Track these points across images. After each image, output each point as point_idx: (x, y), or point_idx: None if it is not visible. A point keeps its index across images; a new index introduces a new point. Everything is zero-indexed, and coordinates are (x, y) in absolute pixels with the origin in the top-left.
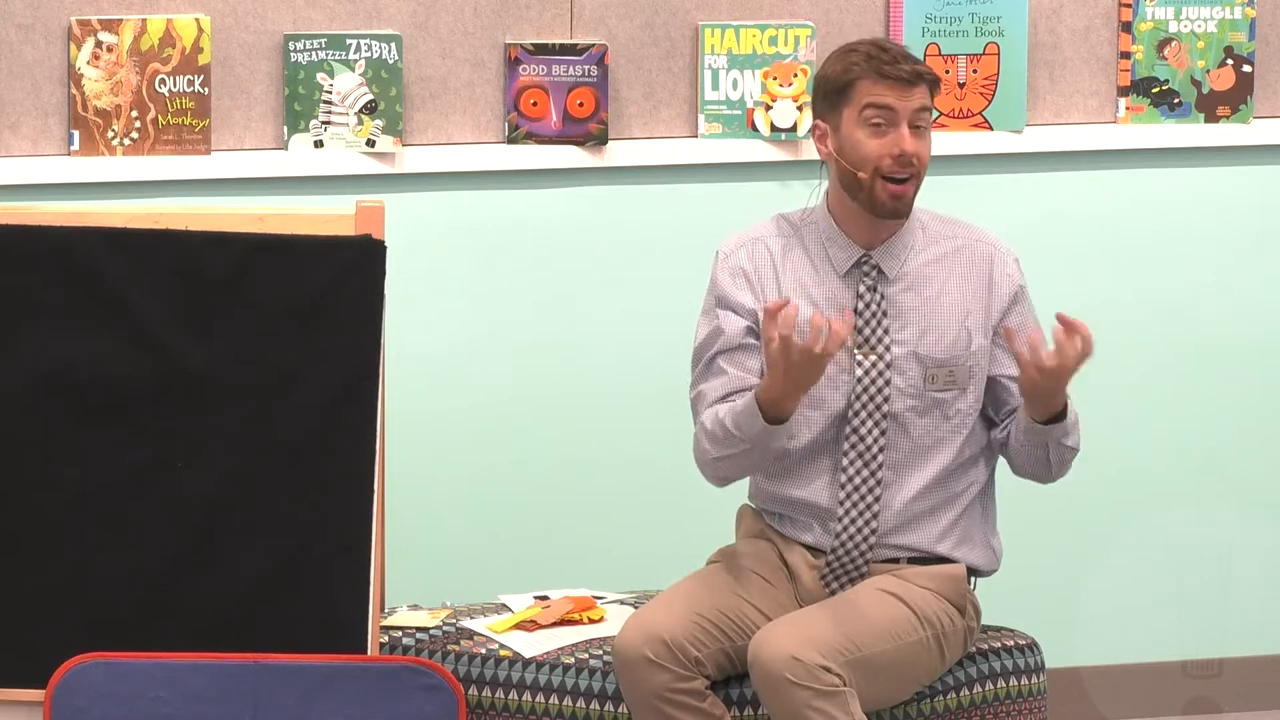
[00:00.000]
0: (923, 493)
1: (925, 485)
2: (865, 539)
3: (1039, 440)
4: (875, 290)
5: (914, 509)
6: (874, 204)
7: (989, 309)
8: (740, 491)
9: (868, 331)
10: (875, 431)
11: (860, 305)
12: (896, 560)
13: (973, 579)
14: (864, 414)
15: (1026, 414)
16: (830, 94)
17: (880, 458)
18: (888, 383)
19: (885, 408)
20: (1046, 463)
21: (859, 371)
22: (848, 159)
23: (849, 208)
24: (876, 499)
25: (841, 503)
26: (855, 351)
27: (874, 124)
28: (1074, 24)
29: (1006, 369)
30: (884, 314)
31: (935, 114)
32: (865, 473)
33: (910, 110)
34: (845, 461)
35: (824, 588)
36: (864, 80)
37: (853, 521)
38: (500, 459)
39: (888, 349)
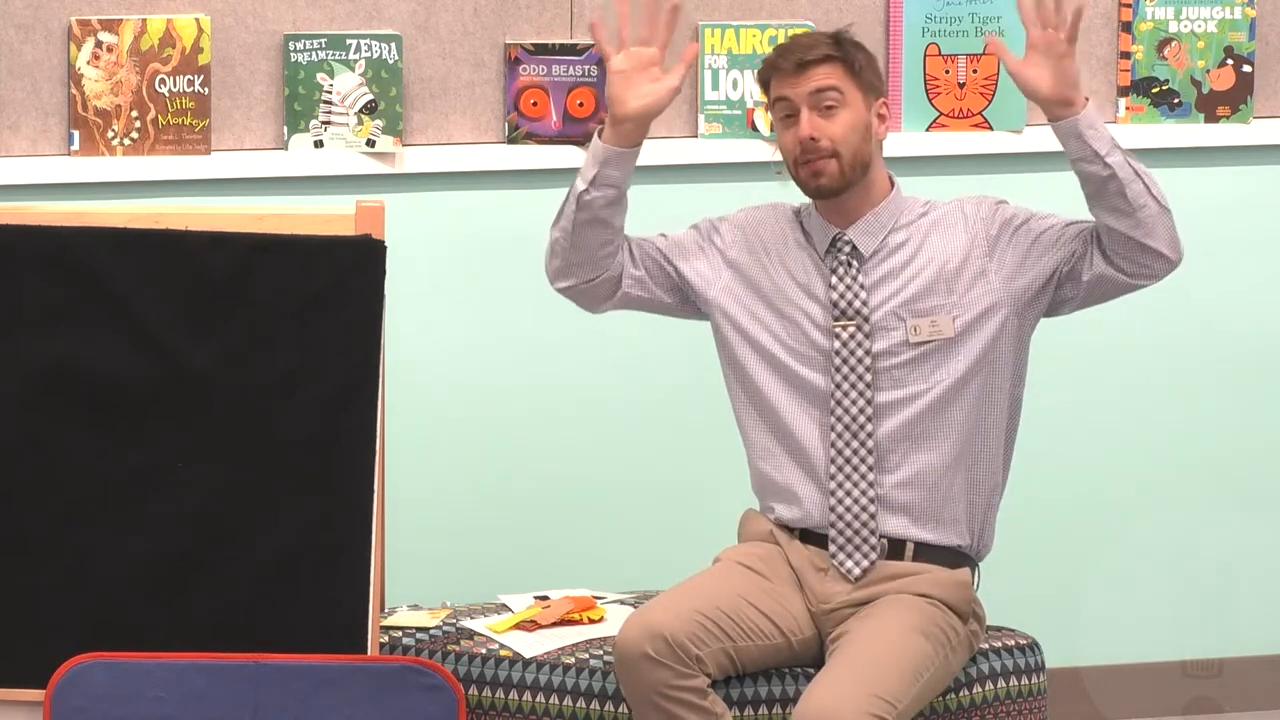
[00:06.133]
0: (928, 463)
1: (932, 455)
2: (864, 508)
3: (1079, 152)
4: (850, 265)
5: (918, 472)
6: (806, 189)
7: (974, 241)
8: (743, 496)
9: (844, 304)
10: (861, 401)
11: (834, 280)
12: (902, 553)
13: (976, 579)
14: (846, 385)
15: (1052, 124)
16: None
17: (869, 427)
18: (868, 352)
19: (868, 377)
20: (1121, 194)
21: (837, 344)
22: (781, 154)
23: None
24: (870, 468)
25: (833, 476)
26: (834, 325)
27: (784, 117)
28: None
29: (1051, 254)
30: (860, 287)
31: (874, 94)
32: (855, 443)
33: (805, 95)
34: (834, 435)
35: (838, 567)
36: (771, 79)
37: (848, 493)
38: (500, 459)
39: (866, 319)
